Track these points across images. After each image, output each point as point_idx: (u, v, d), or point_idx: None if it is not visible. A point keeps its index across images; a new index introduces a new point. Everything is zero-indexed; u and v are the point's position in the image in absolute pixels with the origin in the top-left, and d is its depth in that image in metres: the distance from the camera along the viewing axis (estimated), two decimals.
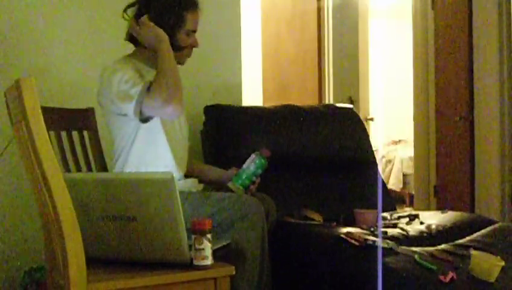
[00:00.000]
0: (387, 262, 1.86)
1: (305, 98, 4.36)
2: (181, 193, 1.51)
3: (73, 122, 2.15)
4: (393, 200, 2.97)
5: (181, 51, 2.05)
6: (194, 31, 2.08)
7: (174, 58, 1.98)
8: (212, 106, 2.73)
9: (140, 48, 2.07)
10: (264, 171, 2.08)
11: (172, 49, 1.98)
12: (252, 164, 2.07)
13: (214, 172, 2.27)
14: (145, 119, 1.94)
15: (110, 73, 1.94)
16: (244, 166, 2.08)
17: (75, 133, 2.15)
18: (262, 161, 2.07)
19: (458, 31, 4.02)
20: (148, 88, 1.87)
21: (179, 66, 2.05)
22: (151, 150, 1.99)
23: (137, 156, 1.99)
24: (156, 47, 1.95)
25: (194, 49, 2.12)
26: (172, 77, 1.88)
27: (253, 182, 2.06)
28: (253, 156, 2.09)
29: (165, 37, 1.95)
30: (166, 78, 1.87)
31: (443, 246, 2.11)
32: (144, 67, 2.04)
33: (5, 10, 2.44)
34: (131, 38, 2.07)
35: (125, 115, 1.92)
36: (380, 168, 5.12)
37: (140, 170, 1.98)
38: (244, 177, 2.05)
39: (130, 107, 1.88)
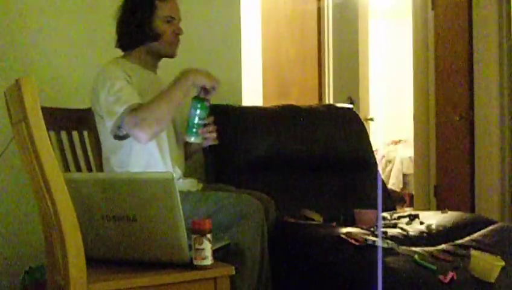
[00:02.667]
0: (387, 262, 1.86)
1: (305, 98, 4.36)
2: (180, 192, 1.51)
3: (73, 122, 2.15)
4: (393, 200, 2.97)
5: (159, 39, 2.05)
6: (174, 18, 2.08)
7: (162, 49, 2.04)
8: (212, 105, 2.72)
9: (133, 50, 2.08)
10: (208, 111, 1.96)
11: (152, 39, 2.03)
12: (194, 109, 1.95)
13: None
14: (120, 137, 1.94)
15: (100, 83, 1.94)
16: (189, 113, 1.97)
17: (75, 133, 2.15)
18: (201, 102, 1.94)
19: (458, 31, 4.02)
20: (134, 108, 1.86)
21: (171, 59, 2.08)
22: (149, 151, 1.99)
23: (136, 159, 1.98)
24: (178, 76, 1.92)
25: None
26: (161, 110, 1.85)
27: (204, 125, 1.97)
28: (192, 101, 1.96)
29: (190, 73, 1.91)
30: (157, 108, 1.85)
31: (443, 246, 2.11)
32: (137, 67, 2.05)
33: (5, 10, 2.44)
34: (121, 44, 2.09)
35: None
36: (380, 168, 5.12)
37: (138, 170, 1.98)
38: (190, 125, 1.95)
39: (110, 123, 1.89)
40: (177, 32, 2.10)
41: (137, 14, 2.04)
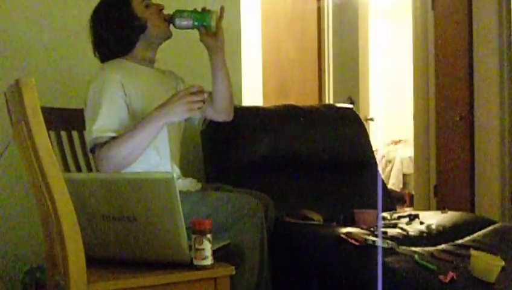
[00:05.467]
0: (387, 262, 1.86)
1: (305, 98, 4.37)
2: (180, 192, 1.51)
3: (73, 122, 2.14)
4: (393, 200, 2.97)
5: (147, 26, 2.01)
6: (154, 4, 2.04)
7: (154, 34, 2.01)
8: None
9: (129, 51, 2.05)
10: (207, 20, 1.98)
11: (141, 30, 1.99)
12: (189, 21, 1.98)
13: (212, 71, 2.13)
14: (91, 150, 1.92)
15: (91, 90, 1.91)
16: (192, 26, 1.99)
17: (75, 133, 2.15)
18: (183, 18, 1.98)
19: (458, 31, 4.02)
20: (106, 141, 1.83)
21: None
22: (147, 151, 1.98)
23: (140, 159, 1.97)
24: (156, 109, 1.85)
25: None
26: (129, 151, 1.81)
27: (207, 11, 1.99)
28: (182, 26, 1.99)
29: (160, 115, 1.81)
30: (124, 149, 1.81)
31: (443, 246, 2.11)
32: (134, 66, 2.03)
33: (5, 10, 2.44)
34: (109, 54, 2.04)
35: None
36: (380, 168, 5.12)
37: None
38: (200, 17, 1.98)
39: (86, 137, 1.90)
40: (160, 8, 2.05)
41: (115, 13, 1.99)
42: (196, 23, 1.99)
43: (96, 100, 1.88)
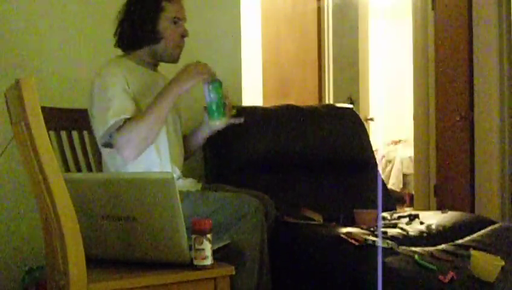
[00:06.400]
0: (387, 262, 1.86)
1: (305, 98, 4.37)
2: (180, 192, 1.51)
3: (73, 122, 2.15)
4: (393, 200, 2.97)
5: (163, 40, 2.04)
6: (180, 19, 2.07)
7: (165, 51, 2.04)
8: None
9: (133, 50, 2.07)
10: (222, 89, 1.98)
11: (156, 40, 2.02)
12: (211, 93, 1.96)
13: (195, 130, 2.24)
14: (107, 145, 1.93)
15: (96, 86, 1.93)
16: (207, 100, 1.98)
17: (75, 133, 2.15)
18: (215, 84, 1.96)
19: (458, 31, 4.02)
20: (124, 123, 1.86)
21: (173, 64, 2.07)
22: (147, 151, 1.98)
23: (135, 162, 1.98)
24: (167, 85, 1.93)
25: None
26: (148, 128, 1.85)
27: (225, 105, 1.99)
28: (205, 87, 1.97)
29: (178, 82, 1.91)
30: (144, 125, 1.85)
31: (443, 246, 2.11)
32: (136, 66, 2.05)
33: (5, 10, 2.44)
34: (122, 44, 2.08)
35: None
36: (380, 168, 5.12)
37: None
38: (214, 108, 1.97)
39: (101, 132, 1.89)
40: (183, 34, 2.09)
41: (143, 14, 2.01)
42: (211, 103, 1.97)
43: (105, 93, 1.89)
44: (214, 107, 1.97)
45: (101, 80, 1.94)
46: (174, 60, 2.10)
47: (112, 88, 1.90)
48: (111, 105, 1.87)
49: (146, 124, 1.85)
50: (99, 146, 2.02)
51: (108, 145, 1.94)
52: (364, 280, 1.86)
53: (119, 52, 2.12)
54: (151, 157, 1.97)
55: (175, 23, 2.06)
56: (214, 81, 1.96)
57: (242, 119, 2.08)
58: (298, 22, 4.54)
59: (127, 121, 1.86)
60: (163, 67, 2.17)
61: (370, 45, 4.99)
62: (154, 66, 2.13)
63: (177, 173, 2.06)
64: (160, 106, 1.88)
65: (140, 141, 1.85)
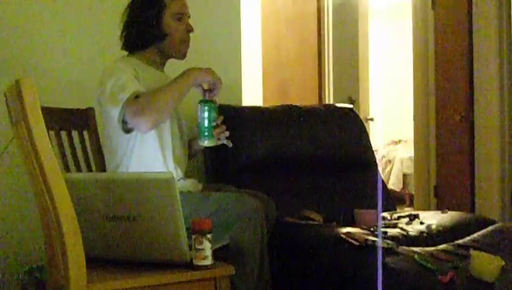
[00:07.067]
0: (387, 262, 1.86)
1: (305, 98, 4.36)
2: (181, 193, 1.51)
3: (73, 122, 2.15)
4: (393, 200, 2.97)
5: (169, 37, 2.04)
6: (184, 15, 2.07)
7: (172, 48, 2.04)
8: None
9: (140, 50, 2.07)
10: (217, 111, 1.95)
11: (162, 38, 2.02)
12: (202, 113, 1.93)
13: (193, 138, 2.24)
14: (128, 130, 1.93)
15: (107, 75, 1.94)
16: (199, 119, 1.95)
17: (75, 133, 2.15)
18: (208, 103, 1.94)
19: (458, 31, 4.02)
20: (137, 96, 1.86)
21: (180, 60, 2.07)
22: (151, 151, 1.99)
23: (138, 159, 1.98)
24: (181, 73, 1.93)
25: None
26: (162, 100, 1.85)
27: (216, 126, 1.96)
28: (199, 106, 1.95)
29: (193, 70, 1.92)
30: (158, 97, 1.84)
31: (443, 246, 2.11)
32: (144, 66, 2.05)
33: (5, 10, 2.44)
34: (128, 45, 2.08)
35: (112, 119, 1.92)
36: (380, 168, 5.12)
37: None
38: (202, 129, 1.94)
39: (115, 112, 1.88)
40: (189, 29, 2.09)
41: (146, 13, 2.01)
42: (201, 124, 1.94)
43: (117, 80, 1.89)
44: (202, 128, 1.94)
45: (111, 70, 1.94)
46: (182, 55, 2.10)
47: (124, 75, 1.91)
48: (125, 86, 1.87)
49: (160, 96, 1.84)
50: (110, 138, 2.00)
51: (128, 130, 1.93)
52: (364, 280, 1.86)
53: (120, 51, 2.11)
54: (154, 157, 1.98)
55: (179, 19, 2.06)
56: (209, 102, 1.94)
57: (231, 144, 2.04)
58: (298, 22, 4.54)
59: (142, 93, 1.86)
60: (167, 68, 2.17)
61: (370, 45, 4.98)
62: (161, 66, 2.14)
63: (179, 174, 2.06)
64: (175, 85, 1.88)
65: (154, 110, 1.83)
